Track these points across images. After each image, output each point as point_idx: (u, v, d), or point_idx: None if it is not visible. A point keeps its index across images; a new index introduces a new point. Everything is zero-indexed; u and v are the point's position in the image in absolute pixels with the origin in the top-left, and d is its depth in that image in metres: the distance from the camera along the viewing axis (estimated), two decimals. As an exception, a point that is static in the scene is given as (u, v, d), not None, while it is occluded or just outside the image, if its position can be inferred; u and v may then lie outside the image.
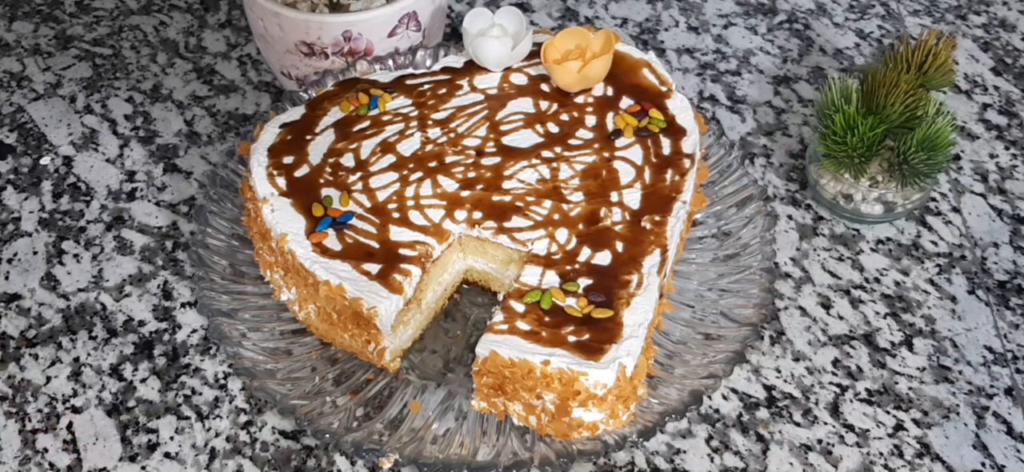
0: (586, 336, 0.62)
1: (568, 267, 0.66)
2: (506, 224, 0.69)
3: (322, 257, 0.67)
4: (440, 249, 0.69)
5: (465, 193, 0.71)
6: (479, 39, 0.77)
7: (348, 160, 0.72)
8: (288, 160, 0.72)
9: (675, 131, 0.74)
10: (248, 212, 0.72)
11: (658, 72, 0.78)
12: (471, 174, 0.72)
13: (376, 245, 0.68)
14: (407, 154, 0.73)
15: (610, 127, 0.75)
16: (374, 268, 0.66)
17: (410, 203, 0.70)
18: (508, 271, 0.72)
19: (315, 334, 0.71)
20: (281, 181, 0.71)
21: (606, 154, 0.73)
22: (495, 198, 0.70)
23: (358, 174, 0.71)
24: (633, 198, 0.71)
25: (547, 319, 0.63)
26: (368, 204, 0.70)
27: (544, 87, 0.78)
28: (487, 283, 0.75)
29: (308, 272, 0.66)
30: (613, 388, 0.61)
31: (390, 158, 0.73)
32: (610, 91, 0.77)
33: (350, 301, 0.65)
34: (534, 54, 0.79)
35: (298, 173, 0.71)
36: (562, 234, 0.68)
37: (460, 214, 0.70)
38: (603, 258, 0.67)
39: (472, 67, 0.79)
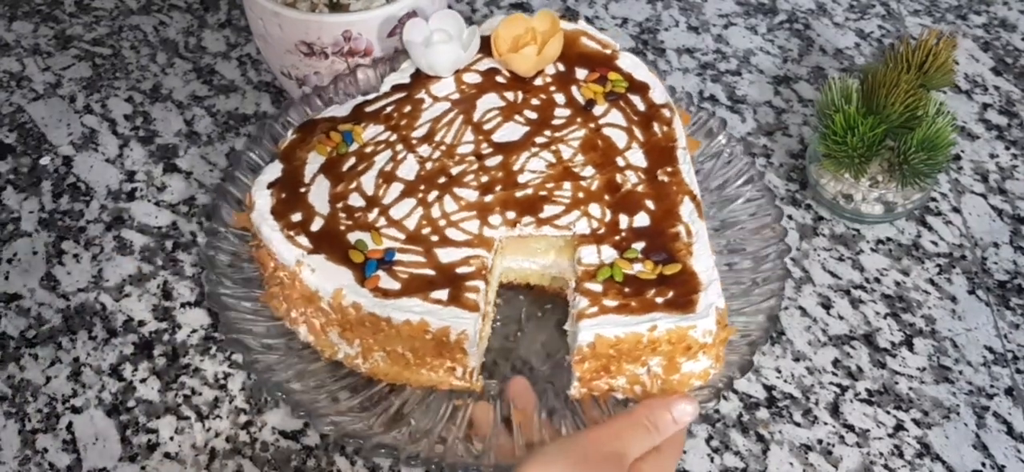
0: (670, 294, 0.63)
1: (617, 237, 0.67)
2: (541, 215, 0.69)
3: (387, 299, 0.64)
4: (491, 257, 0.68)
5: (488, 198, 0.70)
6: (432, 48, 0.76)
7: (356, 200, 0.70)
8: (297, 218, 0.69)
9: (639, 87, 0.76)
10: (278, 281, 0.68)
11: (597, 37, 0.80)
12: (484, 178, 0.71)
13: (432, 272, 0.66)
14: (411, 177, 0.71)
15: (581, 100, 0.76)
16: (442, 294, 0.65)
17: (442, 222, 0.69)
18: (549, 260, 0.72)
19: (383, 380, 0.68)
20: (302, 240, 0.67)
21: (591, 125, 0.74)
22: (518, 194, 0.70)
23: (375, 210, 0.69)
24: (638, 158, 0.72)
25: (627, 290, 0.64)
26: (401, 236, 0.68)
27: (499, 78, 0.78)
28: (525, 280, 0.75)
29: (380, 318, 0.64)
30: (717, 331, 0.62)
31: (398, 186, 0.71)
32: (561, 67, 0.78)
33: (434, 333, 0.63)
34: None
35: (314, 227, 0.68)
36: (595, 209, 0.69)
37: (494, 219, 0.69)
38: (642, 220, 0.68)
39: (421, 77, 0.78)
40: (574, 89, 0.77)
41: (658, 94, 0.76)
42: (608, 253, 0.66)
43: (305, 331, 0.68)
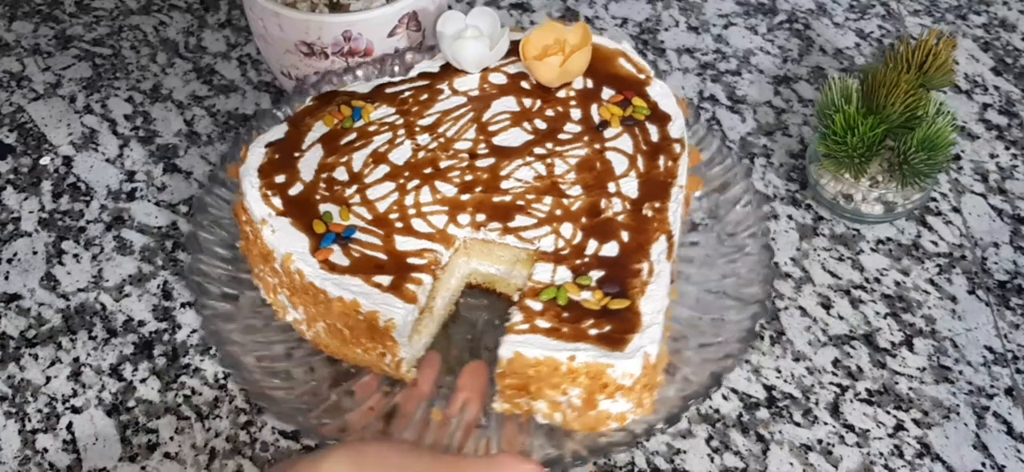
0: (607, 328, 0.62)
1: (578, 261, 0.67)
2: (510, 224, 0.69)
3: (331, 273, 0.65)
4: (448, 255, 0.68)
5: (465, 196, 0.70)
6: (458, 42, 0.76)
7: (341, 174, 0.71)
8: (280, 179, 0.71)
9: (660, 117, 0.75)
10: (246, 235, 0.71)
11: (634, 60, 0.79)
12: (468, 177, 0.71)
13: (384, 257, 0.67)
14: (400, 163, 0.72)
15: (596, 119, 0.75)
16: (385, 280, 0.65)
17: (412, 211, 0.69)
18: (514, 271, 0.72)
19: (325, 352, 0.70)
20: (276, 201, 0.69)
21: (597, 146, 0.73)
22: (496, 199, 0.70)
23: (354, 187, 0.71)
24: (630, 187, 0.71)
25: (565, 315, 0.63)
26: (369, 216, 0.69)
27: (524, 84, 0.78)
28: (491, 285, 0.74)
29: (318, 290, 0.65)
30: (640, 377, 0.61)
31: (384, 168, 0.72)
32: (590, 83, 0.77)
33: (366, 315, 0.64)
34: (510, 52, 0.79)
35: (292, 191, 0.70)
36: (567, 229, 0.68)
37: (463, 218, 0.69)
38: (610, 249, 0.67)
39: (449, 70, 0.79)
40: (594, 107, 0.76)
41: (675, 128, 0.74)
42: (563, 274, 0.66)
43: (263, 289, 0.71)
